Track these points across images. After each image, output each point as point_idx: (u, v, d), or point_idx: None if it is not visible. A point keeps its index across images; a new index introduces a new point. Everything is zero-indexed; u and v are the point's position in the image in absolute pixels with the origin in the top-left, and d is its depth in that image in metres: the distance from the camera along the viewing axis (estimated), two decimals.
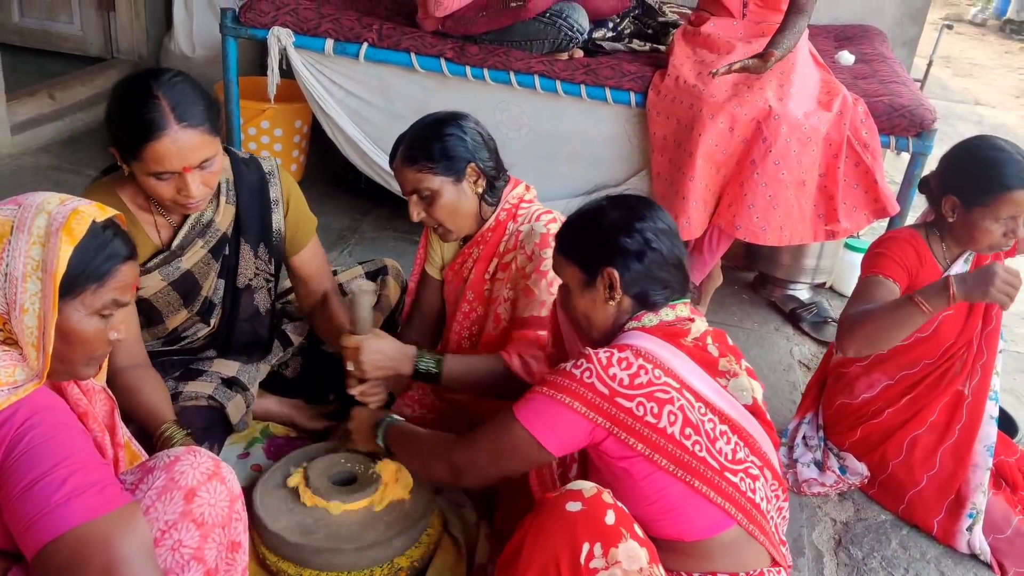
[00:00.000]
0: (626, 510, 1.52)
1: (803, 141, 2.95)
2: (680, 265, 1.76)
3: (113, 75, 4.92)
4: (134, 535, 1.20)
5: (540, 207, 2.28)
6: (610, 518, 1.47)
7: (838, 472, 2.51)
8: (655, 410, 1.58)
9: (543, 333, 2.12)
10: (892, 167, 4.25)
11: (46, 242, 1.25)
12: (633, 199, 1.81)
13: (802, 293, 3.63)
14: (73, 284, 1.29)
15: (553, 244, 2.14)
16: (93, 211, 1.31)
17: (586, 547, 1.45)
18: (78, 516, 1.17)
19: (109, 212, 1.34)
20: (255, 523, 1.95)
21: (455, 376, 2.11)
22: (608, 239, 1.72)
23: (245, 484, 2.13)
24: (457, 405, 2.34)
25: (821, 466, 2.54)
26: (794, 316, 3.50)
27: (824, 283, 3.74)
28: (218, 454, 2.18)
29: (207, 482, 1.41)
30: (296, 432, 2.41)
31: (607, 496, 1.50)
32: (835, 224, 3.07)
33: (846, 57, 3.79)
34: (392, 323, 2.60)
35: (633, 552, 1.46)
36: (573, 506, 1.48)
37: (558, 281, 2.08)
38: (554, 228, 2.18)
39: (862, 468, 2.51)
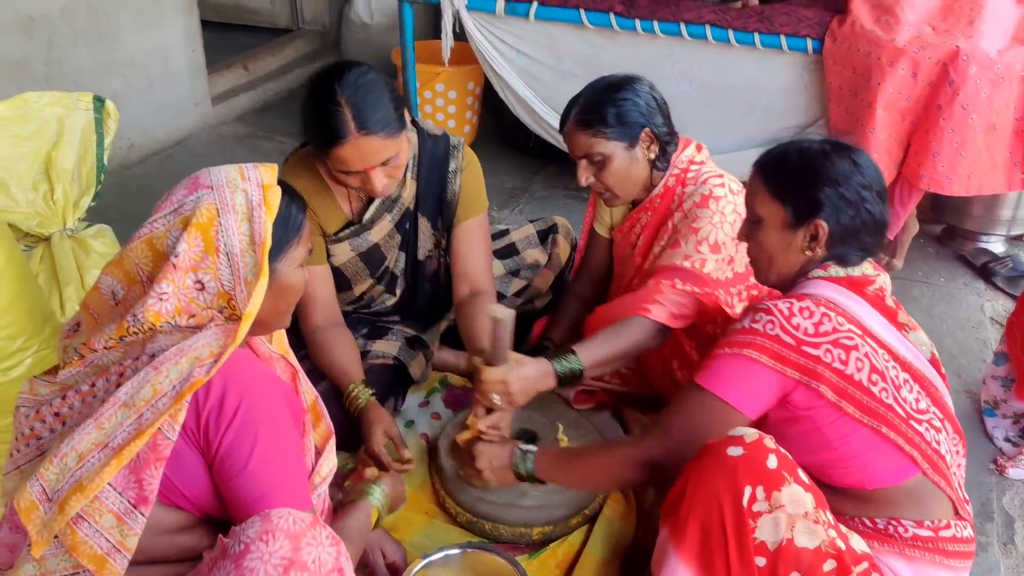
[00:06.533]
0: (789, 456, 1.49)
1: (995, 81, 2.76)
2: (884, 230, 1.71)
3: (300, 45, 5.20)
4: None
5: (711, 170, 2.18)
6: (772, 462, 1.45)
7: None
8: (842, 356, 1.56)
9: (678, 281, 2.05)
10: None
11: (251, 217, 1.39)
12: (854, 150, 1.71)
13: (996, 246, 3.41)
14: (280, 248, 1.45)
15: (717, 202, 2.10)
16: (273, 179, 1.44)
17: (748, 490, 1.44)
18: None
19: (275, 172, 1.46)
20: (438, 471, 2.09)
21: (598, 363, 2.01)
22: (828, 190, 1.65)
23: (427, 431, 2.29)
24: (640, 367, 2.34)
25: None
26: (986, 270, 3.29)
27: (1022, 235, 3.49)
28: (401, 405, 2.35)
29: None
30: (471, 382, 2.52)
31: (769, 441, 1.48)
32: None
33: None
34: (561, 281, 2.65)
35: (797, 496, 1.44)
36: (734, 451, 1.46)
37: (706, 242, 2.05)
38: (718, 192, 2.11)
39: None
